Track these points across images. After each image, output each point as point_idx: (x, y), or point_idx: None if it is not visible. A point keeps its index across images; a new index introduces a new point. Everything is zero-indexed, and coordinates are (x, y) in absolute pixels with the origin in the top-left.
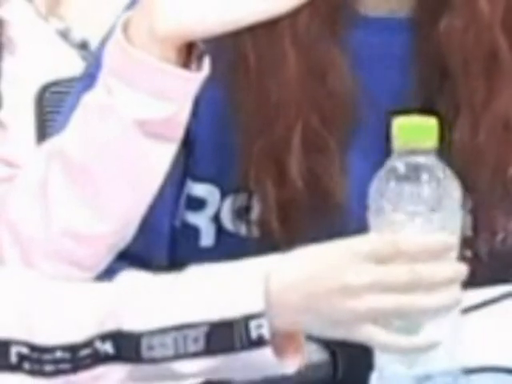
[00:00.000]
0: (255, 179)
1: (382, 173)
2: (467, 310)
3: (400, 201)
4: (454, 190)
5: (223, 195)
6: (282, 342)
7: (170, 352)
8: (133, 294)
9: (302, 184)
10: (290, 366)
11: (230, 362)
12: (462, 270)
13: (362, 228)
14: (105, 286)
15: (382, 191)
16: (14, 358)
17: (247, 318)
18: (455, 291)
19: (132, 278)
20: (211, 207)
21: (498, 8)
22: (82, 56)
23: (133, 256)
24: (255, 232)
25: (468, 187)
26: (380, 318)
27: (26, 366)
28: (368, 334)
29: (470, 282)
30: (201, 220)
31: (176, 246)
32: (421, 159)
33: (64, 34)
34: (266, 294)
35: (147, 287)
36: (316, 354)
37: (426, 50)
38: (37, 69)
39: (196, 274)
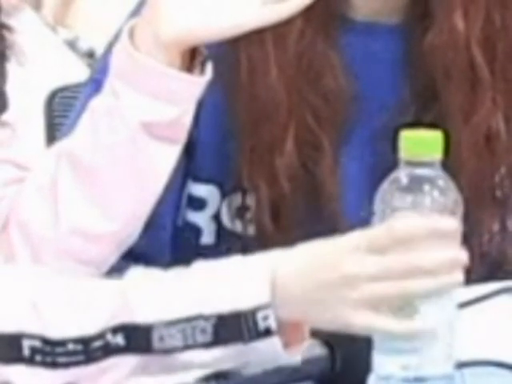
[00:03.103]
0: (249, 178)
1: (387, 183)
2: (460, 306)
3: (404, 211)
4: (456, 201)
5: (223, 195)
6: (287, 330)
7: (180, 343)
8: (143, 287)
9: (295, 183)
10: (295, 353)
11: (238, 352)
12: (461, 255)
13: (353, 226)
14: (115, 280)
15: (387, 201)
16: (26, 351)
17: (254, 310)
18: (453, 275)
19: (142, 273)
20: (212, 207)
21: (474, 24)
22: (88, 64)
23: (137, 254)
24: (251, 230)
25: None
26: (380, 305)
27: (39, 358)
28: (368, 321)
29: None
30: (202, 219)
31: (178, 244)
32: (425, 171)
33: (71, 44)
34: (272, 286)
35: (157, 280)
36: (315, 349)
37: (415, 60)
38: (46, 75)
39: (204, 267)
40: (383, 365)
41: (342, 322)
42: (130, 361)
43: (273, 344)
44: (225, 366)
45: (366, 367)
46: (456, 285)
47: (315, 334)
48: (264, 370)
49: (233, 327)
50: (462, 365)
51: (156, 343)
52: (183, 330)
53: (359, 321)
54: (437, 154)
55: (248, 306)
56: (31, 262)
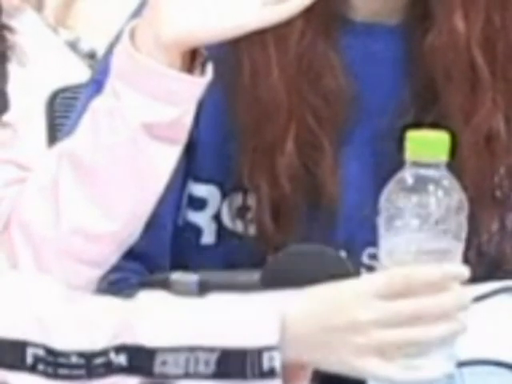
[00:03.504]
0: (250, 179)
1: (392, 183)
2: None
3: (409, 211)
4: (461, 202)
5: (224, 195)
6: (289, 372)
7: (181, 371)
8: (152, 310)
9: (295, 183)
10: None
11: None
12: (465, 298)
13: (352, 226)
14: (126, 300)
15: (392, 201)
16: (29, 360)
17: (261, 350)
18: (459, 320)
19: (152, 296)
20: (212, 207)
21: (475, 25)
22: (89, 65)
23: (137, 253)
24: (251, 230)
25: None
26: (387, 351)
27: (41, 367)
28: (373, 368)
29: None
30: (202, 219)
31: (178, 244)
32: (431, 172)
33: (72, 45)
34: (281, 328)
35: (166, 306)
36: None
37: (415, 60)
38: (47, 76)
39: (216, 300)
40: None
41: (347, 366)
42: (130, 382)
43: None
44: None
45: None
46: (464, 330)
47: None
48: None
49: (236, 363)
50: (461, 364)
51: (157, 367)
52: (186, 358)
53: (365, 367)
54: (443, 156)
55: (255, 345)
56: (32, 263)
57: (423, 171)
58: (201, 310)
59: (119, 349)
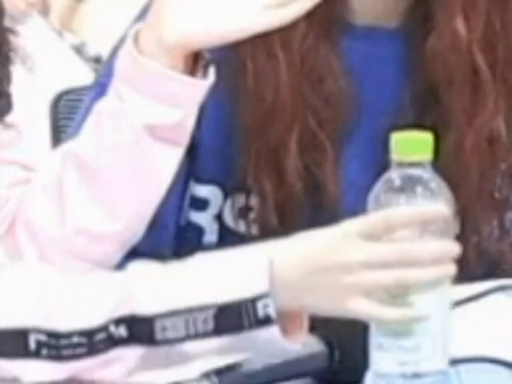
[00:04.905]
0: (254, 180)
1: (379, 183)
2: (457, 304)
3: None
4: (447, 201)
5: (226, 196)
6: (286, 319)
7: (182, 333)
8: (144, 278)
9: (300, 184)
10: (294, 341)
11: (238, 341)
12: (452, 247)
13: None
14: (117, 273)
15: (380, 201)
16: (32, 345)
17: (254, 299)
18: (445, 266)
19: (142, 266)
20: (214, 207)
21: (476, 28)
22: (94, 69)
23: (139, 253)
24: (254, 230)
25: (454, 195)
26: (375, 292)
27: (44, 351)
28: (363, 308)
29: (460, 278)
30: (204, 219)
31: (180, 243)
32: (417, 171)
33: (78, 49)
34: (270, 275)
35: (157, 273)
36: (313, 346)
37: (415, 63)
38: (52, 79)
39: (204, 259)
40: (380, 361)
41: (337, 307)
42: (133, 353)
43: (272, 332)
44: (226, 356)
45: (363, 364)
46: (449, 275)
47: (314, 330)
48: (263, 365)
49: (233, 316)
50: (457, 361)
51: (158, 334)
52: (185, 320)
53: (354, 307)
54: (426, 155)
55: (248, 296)
56: (37, 261)
57: (409, 171)
58: (190, 270)
59: (118, 321)
